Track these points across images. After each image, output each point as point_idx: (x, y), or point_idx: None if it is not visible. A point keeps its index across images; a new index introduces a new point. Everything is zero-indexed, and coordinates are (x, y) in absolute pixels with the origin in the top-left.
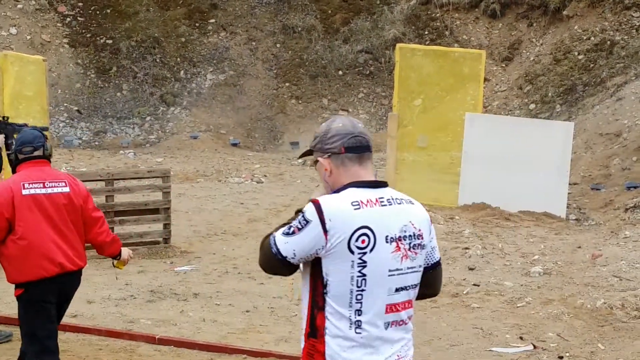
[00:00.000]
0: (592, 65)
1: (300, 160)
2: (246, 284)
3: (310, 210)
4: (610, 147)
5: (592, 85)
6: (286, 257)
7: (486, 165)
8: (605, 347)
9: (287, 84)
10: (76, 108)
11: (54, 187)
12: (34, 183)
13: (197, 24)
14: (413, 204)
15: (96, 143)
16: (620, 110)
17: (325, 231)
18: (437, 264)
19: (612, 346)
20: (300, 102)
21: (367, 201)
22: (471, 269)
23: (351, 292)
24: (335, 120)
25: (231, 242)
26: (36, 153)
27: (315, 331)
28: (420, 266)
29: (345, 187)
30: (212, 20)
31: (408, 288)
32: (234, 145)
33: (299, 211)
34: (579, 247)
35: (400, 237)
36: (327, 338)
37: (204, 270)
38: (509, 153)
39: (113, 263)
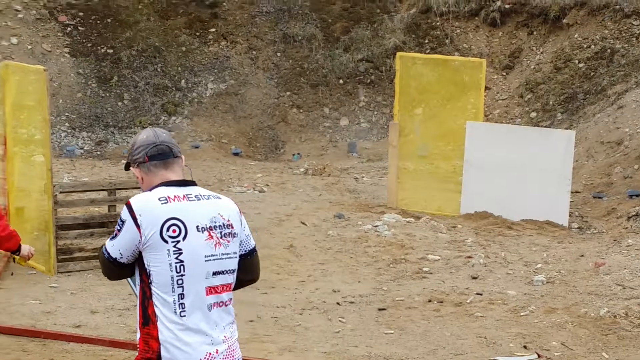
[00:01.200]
0: (592, 73)
1: (302, 170)
2: (249, 294)
3: (124, 211)
4: (612, 155)
5: (593, 94)
6: (115, 258)
7: (488, 173)
8: (610, 356)
9: (288, 93)
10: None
11: None
12: None
13: (197, 33)
14: (220, 199)
15: (98, 152)
16: (621, 119)
17: (138, 226)
18: (253, 251)
19: (616, 355)
20: (301, 111)
21: (175, 197)
22: (474, 278)
23: (172, 278)
24: (141, 134)
25: None
26: None
27: (147, 319)
28: (235, 253)
29: (155, 187)
30: (213, 30)
31: (225, 272)
32: (236, 154)
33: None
34: (582, 255)
35: (211, 226)
36: (158, 324)
37: None
38: (511, 161)
39: (14, 259)
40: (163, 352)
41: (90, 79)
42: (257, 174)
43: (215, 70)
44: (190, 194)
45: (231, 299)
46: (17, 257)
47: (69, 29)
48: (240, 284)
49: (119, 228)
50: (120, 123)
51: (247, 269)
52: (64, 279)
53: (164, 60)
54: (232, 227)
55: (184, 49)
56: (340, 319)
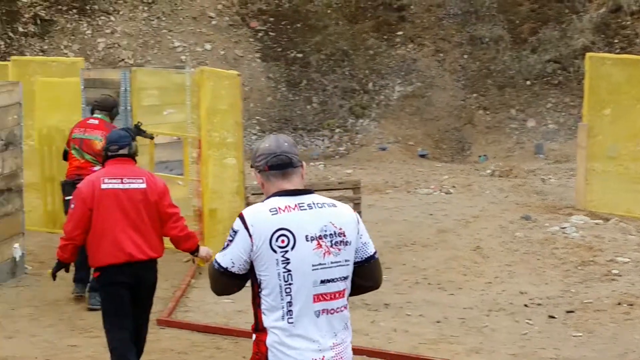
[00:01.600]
0: None
1: (488, 171)
2: (436, 295)
3: (236, 223)
4: None
5: None
6: (227, 267)
7: None
8: None
9: (474, 95)
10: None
11: (131, 183)
12: (113, 179)
13: (385, 37)
14: (336, 206)
15: None
16: None
17: (250, 235)
18: (371, 258)
19: None
20: (487, 112)
21: (286, 207)
22: None
23: (281, 287)
24: (264, 141)
25: (421, 253)
26: (121, 151)
27: (258, 325)
28: (347, 261)
29: (269, 197)
30: (400, 33)
31: (335, 280)
32: (422, 156)
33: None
34: None
35: (320, 235)
36: (268, 330)
37: (394, 281)
38: None
39: (193, 260)
40: (270, 356)
41: (280, 82)
42: (444, 176)
43: (402, 73)
44: (303, 203)
45: (345, 305)
46: (196, 259)
47: (260, 34)
48: (360, 289)
49: (230, 238)
50: (309, 126)
51: (366, 276)
52: None
53: (352, 63)
54: (345, 236)
55: (371, 52)
56: (527, 320)
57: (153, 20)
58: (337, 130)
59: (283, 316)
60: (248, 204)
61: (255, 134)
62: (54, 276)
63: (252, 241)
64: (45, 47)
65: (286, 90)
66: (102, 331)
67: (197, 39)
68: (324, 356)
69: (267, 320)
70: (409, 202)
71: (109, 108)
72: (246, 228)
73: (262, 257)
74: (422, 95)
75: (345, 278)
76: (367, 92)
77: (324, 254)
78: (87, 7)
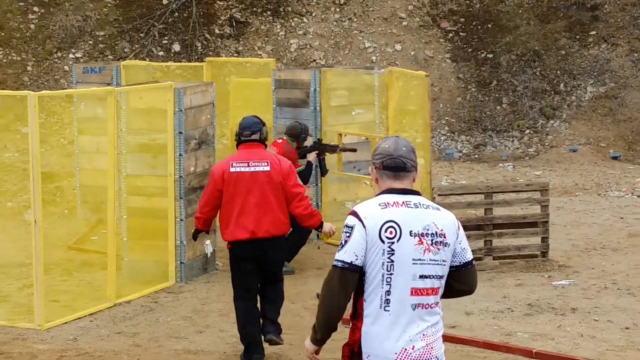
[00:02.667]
0: None
1: None
2: (626, 300)
3: (350, 219)
4: None
5: None
6: (351, 261)
7: None
8: None
9: None
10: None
11: (257, 166)
12: (240, 163)
13: (577, 36)
14: (439, 210)
15: (476, 156)
16: None
17: (364, 227)
18: (468, 264)
19: None
20: None
21: (394, 203)
22: None
23: (382, 275)
24: (385, 141)
25: (610, 257)
26: (253, 137)
27: (356, 313)
28: (444, 261)
29: (379, 194)
30: (593, 32)
31: (432, 277)
32: (614, 158)
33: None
34: None
35: (423, 233)
36: (364, 317)
37: (582, 285)
38: None
39: (317, 235)
40: (363, 342)
41: (470, 83)
42: (637, 179)
43: (595, 74)
44: (410, 202)
45: (437, 302)
46: (320, 234)
47: (450, 34)
48: (454, 293)
49: (347, 235)
50: (499, 127)
51: (461, 280)
52: None
53: (543, 64)
54: (445, 237)
55: (563, 52)
56: None
57: (344, 21)
58: (527, 131)
59: (381, 305)
60: None
61: (444, 135)
62: (194, 237)
63: (366, 232)
64: (240, 48)
65: (476, 91)
66: (290, 329)
67: (388, 39)
68: (414, 345)
69: (366, 307)
70: (598, 204)
71: (295, 135)
72: (360, 221)
73: (371, 247)
74: (615, 96)
75: (441, 277)
76: (558, 93)
77: (425, 250)
78: (281, 9)
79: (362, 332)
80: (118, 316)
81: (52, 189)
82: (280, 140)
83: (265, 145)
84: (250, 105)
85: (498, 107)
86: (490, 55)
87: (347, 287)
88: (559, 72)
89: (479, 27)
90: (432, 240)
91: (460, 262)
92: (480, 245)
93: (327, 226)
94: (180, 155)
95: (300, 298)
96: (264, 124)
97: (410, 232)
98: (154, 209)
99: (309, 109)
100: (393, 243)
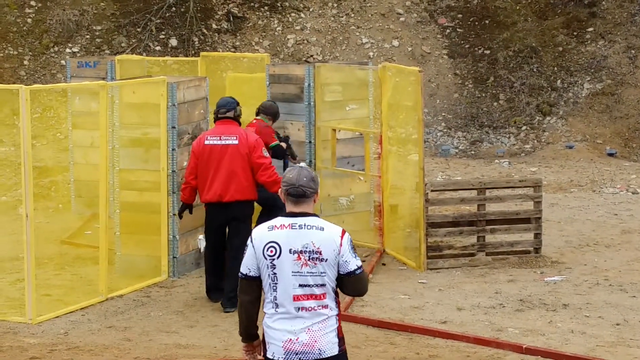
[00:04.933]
0: None
1: None
2: (617, 297)
3: (248, 239)
4: None
5: None
6: (246, 273)
7: None
8: None
9: None
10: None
11: (227, 139)
12: (214, 136)
13: (575, 33)
14: (322, 230)
15: (472, 152)
16: None
17: (253, 246)
18: (351, 274)
19: None
20: None
21: (281, 225)
22: None
23: (269, 284)
24: (291, 171)
25: (603, 254)
26: (228, 114)
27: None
28: (322, 273)
29: (280, 215)
30: (591, 29)
31: (311, 286)
32: (610, 155)
33: None
34: None
35: (302, 250)
36: (265, 313)
37: (574, 281)
38: None
39: None
40: (265, 332)
41: (467, 79)
42: (632, 175)
43: (592, 70)
44: (296, 224)
45: (323, 305)
46: None
47: (447, 30)
48: (347, 293)
49: (244, 252)
50: (495, 123)
51: (347, 286)
52: (433, 276)
53: (540, 60)
54: (321, 254)
55: (560, 48)
56: None
57: (342, 17)
58: (524, 127)
59: (272, 306)
60: (427, 201)
61: (441, 131)
62: (180, 215)
63: (254, 250)
64: (237, 43)
65: (473, 87)
66: None
67: (385, 35)
68: (298, 337)
69: (265, 308)
70: (593, 201)
71: (272, 114)
72: (252, 241)
73: (260, 262)
74: (612, 93)
75: (322, 285)
76: (555, 90)
77: (302, 265)
78: (278, 4)
79: (264, 323)
80: (110, 310)
81: (47, 183)
82: (255, 120)
83: (239, 123)
84: (245, 100)
85: (495, 104)
86: (488, 52)
87: (247, 292)
88: (556, 68)
89: (477, 23)
90: (309, 256)
91: (343, 272)
92: (473, 241)
93: None
94: (173, 149)
95: None
96: (238, 104)
97: (290, 249)
98: (147, 203)
99: (303, 104)
100: (274, 259)
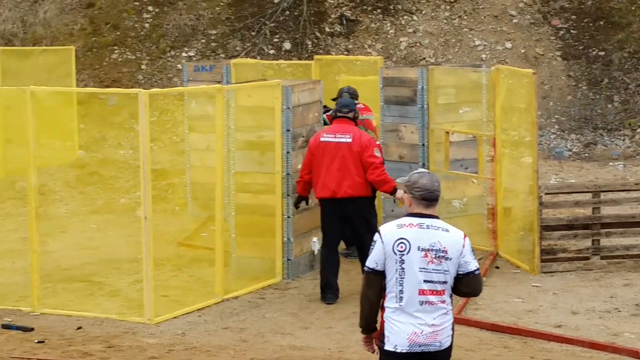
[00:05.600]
0: None
1: None
2: None
3: (376, 236)
4: None
5: None
6: (373, 268)
7: None
8: None
9: None
10: None
11: (341, 137)
12: (329, 134)
13: None
14: (448, 231)
15: (586, 155)
16: None
17: (382, 242)
18: (470, 273)
19: None
20: None
21: (409, 224)
22: None
23: (396, 279)
24: (422, 177)
25: None
26: (348, 114)
27: (382, 305)
28: (446, 271)
29: (405, 216)
30: None
31: (435, 282)
32: None
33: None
34: None
35: (428, 248)
36: (386, 308)
37: None
38: None
39: (394, 200)
40: (385, 326)
41: (581, 81)
42: None
43: None
44: (423, 224)
45: (443, 301)
46: (397, 200)
47: (561, 32)
48: (460, 293)
49: (372, 247)
50: (609, 125)
51: (464, 285)
52: (547, 279)
53: None
54: (447, 253)
55: None
56: None
57: (454, 19)
58: (639, 129)
59: (396, 300)
60: (541, 204)
61: (554, 133)
62: (296, 206)
63: (383, 245)
64: (350, 46)
65: (587, 89)
66: None
67: (498, 37)
68: (422, 330)
69: (387, 302)
70: None
71: (357, 96)
72: (380, 237)
73: (388, 257)
74: None
75: (444, 282)
76: None
77: (429, 262)
78: (391, 7)
79: (384, 318)
80: (225, 311)
81: (164, 185)
82: (362, 105)
83: (356, 123)
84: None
85: (609, 106)
86: (602, 53)
87: (373, 286)
88: None
89: (591, 24)
90: (435, 254)
91: (464, 272)
92: (587, 245)
93: (399, 192)
94: (287, 152)
95: None
96: (356, 104)
97: (418, 247)
98: (261, 206)
99: (416, 107)
100: (403, 255)
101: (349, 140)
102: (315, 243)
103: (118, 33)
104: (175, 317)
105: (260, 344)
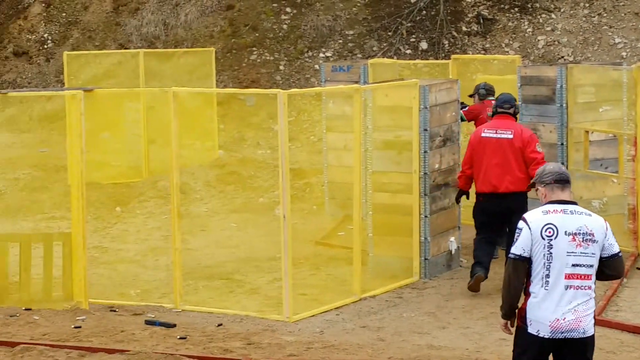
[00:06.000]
0: None
1: None
2: None
3: (520, 223)
4: None
5: None
6: (520, 254)
7: None
8: None
9: None
10: None
11: (502, 133)
12: (490, 130)
13: None
14: (590, 216)
15: None
16: None
17: (530, 229)
18: (615, 255)
19: None
20: None
21: (554, 210)
22: None
23: (544, 264)
24: (547, 166)
25: None
26: (509, 110)
27: (525, 290)
28: (593, 254)
29: (546, 203)
30: None
31: (582, 266)
32: None
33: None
34: None
35: (575, 232)
36: (530, 293)
37: None
38: None
39: None
40: (528, 310)
41: None
42: None
43: None
44: (567, 209)
45: (589, 286)
46: None
47: None
48: (604, 276)
49: (518, 234)
50: None
51: (610, 267)
52: None
53: None
54: (593, 236)
55: None
56: None
57: (594, 17)
58: None
59: (542, 284)
60: None
61: None
62: (457, 201)
63: (531, 232)
64: (487, 45)
65: None
66: None
67: (639, 34)
68: (565, 317)
69: (531, 288)
70: None
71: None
72: (527, 224)
73: (535, 242)
74: None
75: (590, 266)
76: None
77: (577, 245)
78: (529, 5)
79: (528, 303)
80: (363, 310)
81: (301, 185)
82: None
83: (516, 119)
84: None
85: None
86: None
87: (518, 272)
88: None
89: None
90: (583, 238)
91: (608, 254)
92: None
93: None
94: (425, 152)
95: None
96: (516, 101)
97: (565, 232)
98: (399, 205)
99: (554, 106)
100: (551, 240)
101: (510, 136)
102: (453, 242)
103: (257, 34)
104: (313, 316)
105: (398, 343)
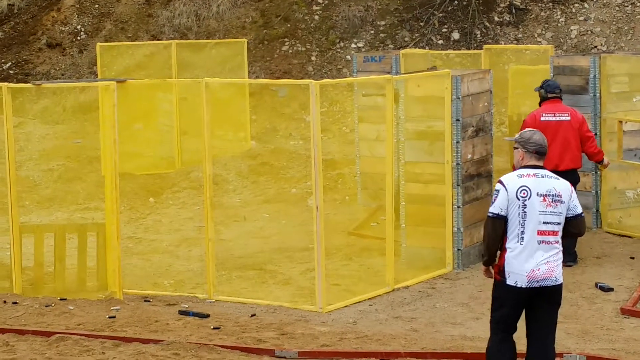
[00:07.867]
0: None
1: None
2: None
3: (498, 185)
4: None
5: None
6: (498, 213)
7: None
8: None
9: None
10: None
11: (560, 116)
12: (548, 114)
13: None
14: (558, 179)
15: None
16: None
17: (506, 190)
18: (578, 215)
19: None
20: None
21: (527, 174)
22: None
23: (519, 221)
24: (535, 134)
25: None
26: (560, 94)
27: (502, 246)
28: (560, 213)
29: (520, 168)
30: None
31: (551, 223)
32: None
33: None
34: None
35: (546, 194)
36: (507, 248)
37: None
38: None
39: (598, 167)
40: (505, 264)
41: None
42: None
43: None
44: (538, 174)
45: (557, 241)
46: (600, 166)
47: None
48: (568, 234)
49: (495, 195)
50: None
51: (574, 226)
52: None
53: None
54: (560, 197)
55: None
56: None
57: (627, 6)
58: None
59: (517, 240)
60: None
61: None
62: None
63: (507, 193)
64: (520, 35)
65: None
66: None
67: None
68: (539, 268)
69: (507, 244)
70: None
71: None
72: (504, 186)
73: (511, 203)
74: None
75: (558, 224)
76: None
77: (547, 205)
78: None
79: (505, 258)
80: (396, 301)
81: (334, 175)
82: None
83: (561, 99)
84: (529, 92)
85: None
86: None
87: (496, 229)
88: None
89: None
90: (552, 199)
91: (572, 214)
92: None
93: (606, 160)
94: (457, 142)
95: (578, 287)
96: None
97: (537, 193)
98: (431, 195)
99: (588, 96)
100: (525, 200)
101: (568, 118)
102: None
103: (288, 25)
104: (346, 306)
105: (431, 334)
